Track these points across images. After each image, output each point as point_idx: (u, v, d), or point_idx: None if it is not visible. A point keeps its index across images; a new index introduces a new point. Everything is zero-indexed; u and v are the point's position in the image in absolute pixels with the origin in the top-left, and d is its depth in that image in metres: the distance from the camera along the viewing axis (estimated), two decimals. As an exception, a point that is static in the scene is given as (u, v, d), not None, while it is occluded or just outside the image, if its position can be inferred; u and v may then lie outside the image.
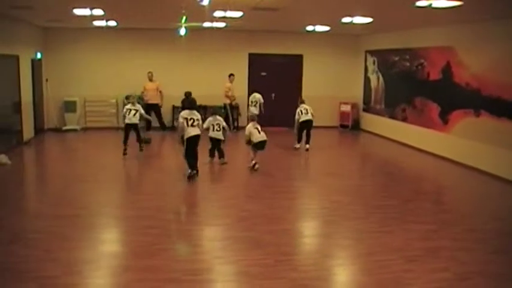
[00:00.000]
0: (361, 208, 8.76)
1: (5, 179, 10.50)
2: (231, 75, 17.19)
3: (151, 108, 16.19)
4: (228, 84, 17.14)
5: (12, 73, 13.61)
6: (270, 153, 13.71)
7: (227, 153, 12.20)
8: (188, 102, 11.83)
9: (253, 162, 11.69)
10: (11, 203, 8.72)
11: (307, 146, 14.31)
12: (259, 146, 11.62)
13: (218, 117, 12.18)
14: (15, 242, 6.72)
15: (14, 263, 5.99)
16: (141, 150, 13.41)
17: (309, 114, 14.12)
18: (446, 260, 6.37)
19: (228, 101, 17.14)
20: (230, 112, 17.20)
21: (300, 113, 14.20)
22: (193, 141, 10.56)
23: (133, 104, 13.04)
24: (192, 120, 10.51)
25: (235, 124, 17.56)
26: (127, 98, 15.38)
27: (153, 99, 16.46)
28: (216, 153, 12.29)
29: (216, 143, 12.19)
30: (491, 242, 7.14)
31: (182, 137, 10.62)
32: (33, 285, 5.43)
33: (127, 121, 12.82)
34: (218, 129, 11.96)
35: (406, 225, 7.73)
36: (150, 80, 16.60)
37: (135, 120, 12.85)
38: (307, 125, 14.20)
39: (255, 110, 15.61)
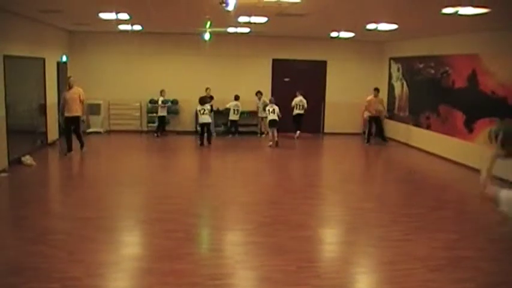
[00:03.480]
0: (384, 216, 8.69)
1: (30, 180, 10.62)
2: (376, 89, 16.89)
3: (71, 123, 13.37)
4: (370, 98, 16.79)
5: (38, 75, 13.79)
6: (292, 158, 13.72)
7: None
8: (201, 98, 15.57)
9: (270, 143, 15.71)
10: (36, 203, 8.82)
11: (298, 133, 17.33)
12: (271, 123, 15.78)
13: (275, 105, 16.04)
14: (39, 243, 6.78)
15: (38, 263, 6.05)
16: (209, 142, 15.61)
17: (302, 109, 17.28)
18: (470, 270, 6.28)
19: (368, 114, 16.91)
20: (379, 123, 17.02)
21: (297, 107, 17.28)
22: (204, 126, 15.48)
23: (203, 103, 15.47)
24: (203, 110, 15.37)
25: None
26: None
27: (72, 111, 13.22)
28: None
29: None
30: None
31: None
32: (56, 286, 5.47)
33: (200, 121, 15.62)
34: (273, 112, 15.87)
35: (430, 234, 7.65)
36: (70, 87, 13.38)
37: (208, 119, 15.51)
38: (299, 117, 17.33)
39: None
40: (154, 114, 17.69)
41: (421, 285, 5.82)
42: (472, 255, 6.82)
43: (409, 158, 15.03)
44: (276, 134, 15.70)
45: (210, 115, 15.72)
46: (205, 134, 15.58)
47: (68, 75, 14.22)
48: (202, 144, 15.52)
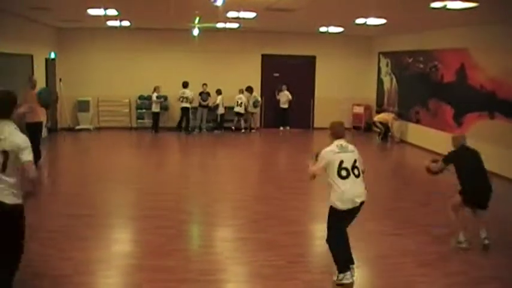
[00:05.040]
0: (374, 210, 8.66)
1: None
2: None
3: (34, 129, 10.62)
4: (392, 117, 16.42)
5: (26, 72, 13.66)
6: (282, 154, 13.72)
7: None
8: (183, 82, 16.87)
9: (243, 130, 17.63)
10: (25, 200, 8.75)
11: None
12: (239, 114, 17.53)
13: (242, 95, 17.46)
14: (29, 240, 6.67)
15: (28, 261, 5.97)
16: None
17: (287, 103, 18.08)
18: (460, 263, 6.32)
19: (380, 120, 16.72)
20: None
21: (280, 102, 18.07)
22: (185, 110, 16.98)
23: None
24: (185, 98, 16.79)
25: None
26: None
27: (35, 116, 10.80)
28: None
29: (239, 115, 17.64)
30: (506, 246, 7.07)
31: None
32: (46, 283, 5.47)
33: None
34: (240, 105, 17.35)
35: (419, 228, 7.69)
36: (33, 87, 11.11)
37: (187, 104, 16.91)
38: (286, 110, 18.09)
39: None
40: (144, 111, 17.68)
41: (411, 279, 5.85)
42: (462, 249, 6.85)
43: (398, 152, 15.08)
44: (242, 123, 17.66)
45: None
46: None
47: (31, 74, 11.76)
48: (188, 131, 17.08)
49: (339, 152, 5.74)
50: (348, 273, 5.54)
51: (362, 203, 5.73)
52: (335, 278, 5.59)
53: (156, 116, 17.21)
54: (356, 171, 5.71)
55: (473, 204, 6.97)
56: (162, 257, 6.29)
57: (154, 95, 16.93)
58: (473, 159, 7.00)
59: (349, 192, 5.56)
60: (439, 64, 14.01)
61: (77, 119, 17.37)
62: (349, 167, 5.65)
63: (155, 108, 17.08)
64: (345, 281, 5.51)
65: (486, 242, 6.73)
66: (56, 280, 5.52)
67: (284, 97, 17.96)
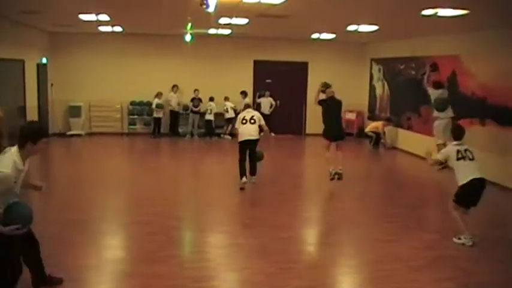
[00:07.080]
0: (366, 216, 8.73)
1: (10, 184, 10.47)
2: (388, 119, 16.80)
3: None
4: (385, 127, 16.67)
5: (17, 77, 13.64)
6: (274, 160, 13.70)
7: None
8: (173, 85, 17.33)
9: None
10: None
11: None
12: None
13: (212, 103, 17.52)
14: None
15: (18, 268, 5.97)
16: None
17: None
18: (451, 269, 6.33)
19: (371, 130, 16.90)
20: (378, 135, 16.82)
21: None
22: (174, 114, 17.59)
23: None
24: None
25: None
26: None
27: None
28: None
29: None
30: (496, 251, 7.11)
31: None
32: (37, 290, 5.42)
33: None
34: (210, 112, 17.46)
35: (411, 234, 7.70)
36: None
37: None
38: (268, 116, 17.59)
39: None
40: (136, 117, 17.68)
41: (403, 285, 5.85)
42: (452, 254, 6.87)
43: (390, 158, 15.12)
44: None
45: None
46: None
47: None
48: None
49: (243, 113, 10.28)
50: (244, 178, 10.07)
51: (255, 140, 10.15)
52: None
53: (157, 121, 17.35)
54: (252, 121, 10.03)
55: (332, 138, 10.46)
56: (154, 263, 6.27)
57: (156, 100, 17.05)
58: (334, 106, 10.58)
59: (243, 132, 10.03)
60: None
61: (68, 124, 17.32)
62: (248, 119, 10.05)
63: (157, 113, 17.25)
64: (242, 181, 10.04)
65: (339, 171, 10.38)
66: (47, 287, 5.48)
67: (267, 103, 17.88)
